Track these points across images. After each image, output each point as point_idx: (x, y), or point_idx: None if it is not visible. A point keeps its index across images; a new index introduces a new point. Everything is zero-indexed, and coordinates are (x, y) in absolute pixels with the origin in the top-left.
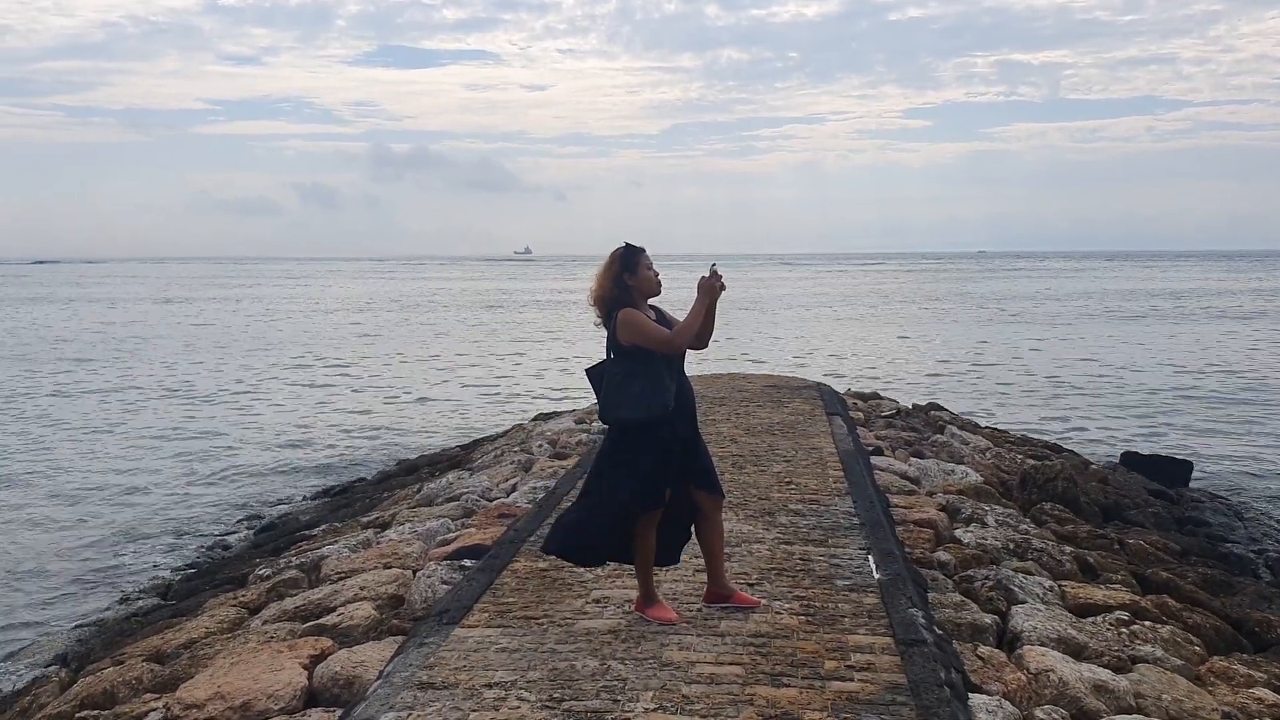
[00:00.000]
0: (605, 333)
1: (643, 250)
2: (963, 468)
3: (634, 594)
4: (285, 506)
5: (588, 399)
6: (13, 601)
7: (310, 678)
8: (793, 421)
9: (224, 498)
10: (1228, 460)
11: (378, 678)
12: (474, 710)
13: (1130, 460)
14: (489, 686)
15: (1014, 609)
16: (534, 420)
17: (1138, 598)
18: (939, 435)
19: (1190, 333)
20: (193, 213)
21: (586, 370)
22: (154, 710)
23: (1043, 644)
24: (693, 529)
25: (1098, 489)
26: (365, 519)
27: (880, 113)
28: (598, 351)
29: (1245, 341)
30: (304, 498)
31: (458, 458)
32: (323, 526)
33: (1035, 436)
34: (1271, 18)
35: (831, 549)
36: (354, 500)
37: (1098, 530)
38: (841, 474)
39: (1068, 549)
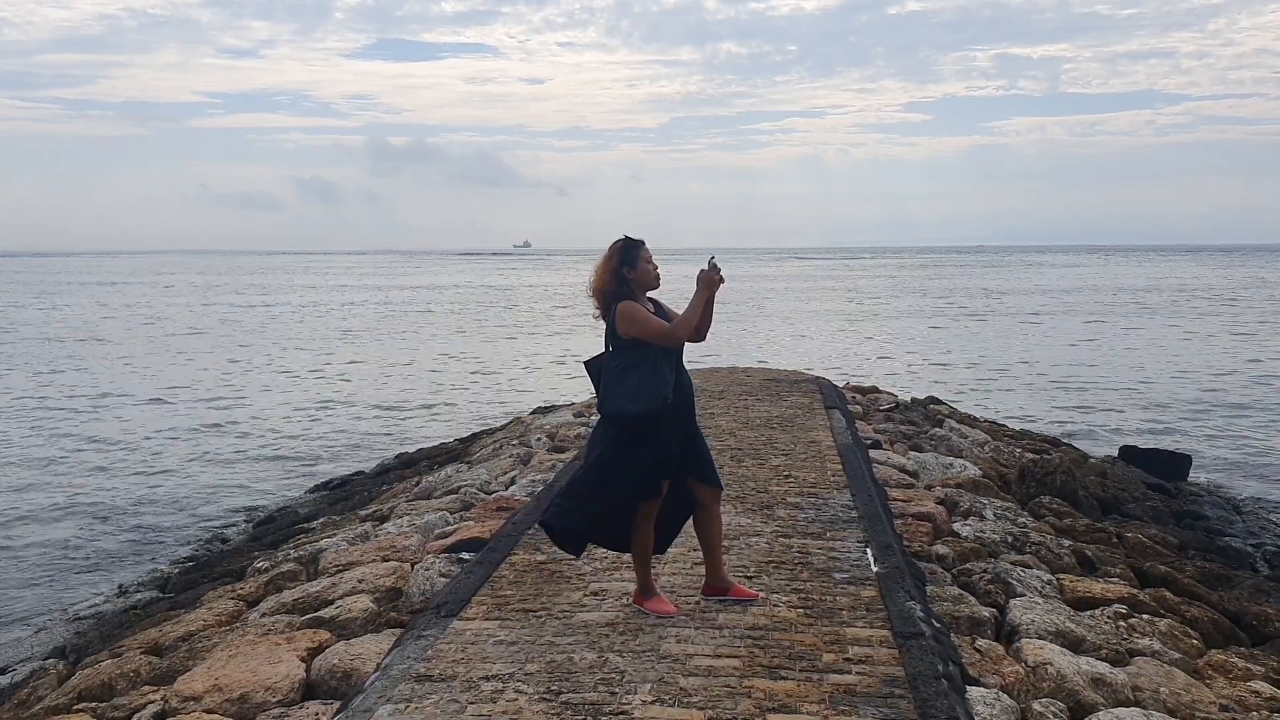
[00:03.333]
0: (604, 325)
1: (642, 243)
2: (961, 461)
3: (632, 587)
4: (283, 499)
5: (586, 392)
6: (11, 594)
7: (308, 670)
8: (791, 415)
9: (222, 491)
10: (1226, 454)
11: (376, 670)
12: (472, 702)
13: (1129, 454)
14: (487, 679)
15: (1012, 602)
16: (532, 413)
17: (1136, 591)
18: (938, 429)
19: (1189, 326)
20: (192, 206)
21: (585, 363)
22: (152, 703)
23: (1041, 637)
24: (690, 521)
25: (1096, 483)
26: (364, 512)
27: (880, 107)
28: (596, 344)
29: (1243, 335)
30: (302, 491)
31: (456, 451)
32: (321, 519)
33: (1034, 430)
34: (1271, 11)
35: (830, 542)
36: (352, 493)
37: (1096, 524)
38: (840, 467)
39: (1066, 542)
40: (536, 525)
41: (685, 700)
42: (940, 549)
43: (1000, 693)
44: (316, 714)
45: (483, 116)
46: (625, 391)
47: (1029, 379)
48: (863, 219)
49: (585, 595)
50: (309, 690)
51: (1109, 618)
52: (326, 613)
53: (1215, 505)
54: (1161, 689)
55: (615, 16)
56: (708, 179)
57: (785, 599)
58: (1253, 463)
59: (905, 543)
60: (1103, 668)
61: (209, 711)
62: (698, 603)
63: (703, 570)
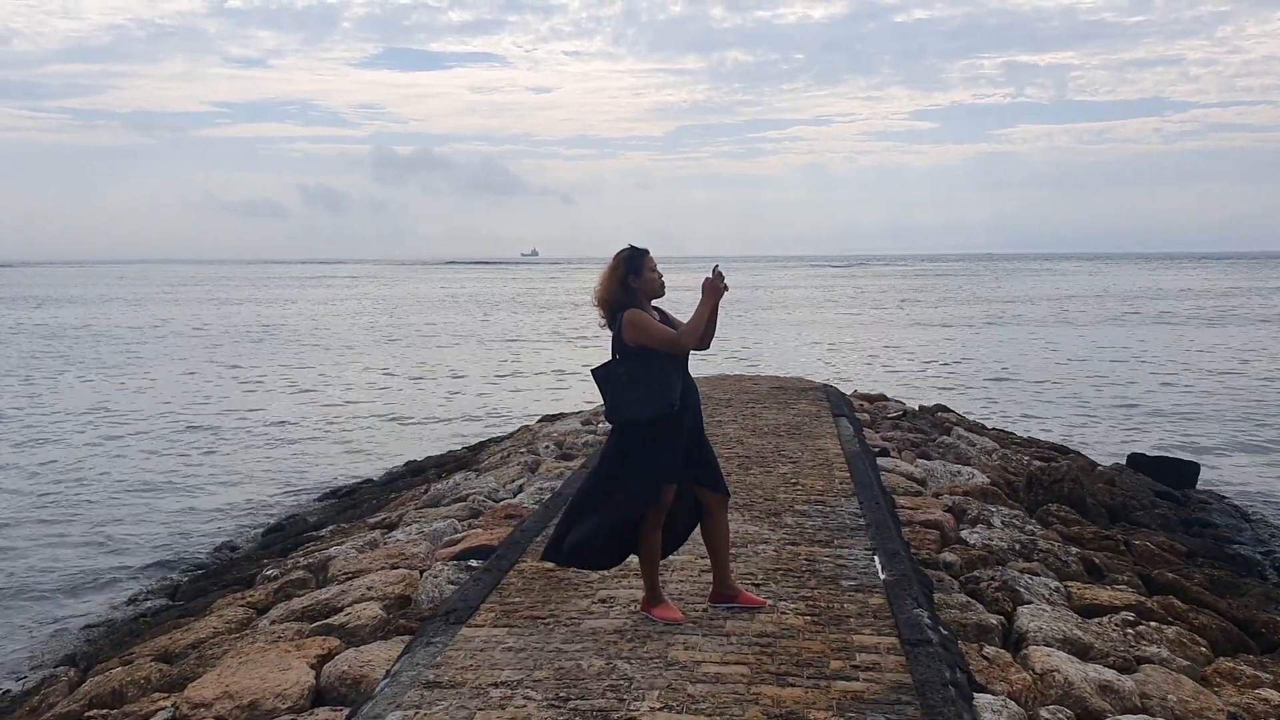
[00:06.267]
0: (610, 334)
1: (646, 252)
2: (969, 469)
3: (640, 594)
4: (293, 507)
5: (594, 400)
6: (22, 602)
7: (318, 677)
8: (799, 423)
9: (231, 499)
10: (1234, 462)
11: (385, 677)
12: (480, 709)
13: (1136, 461)
14: (495, 686)
15: (1020, 609)
16: (540, 421)
17: (1144, 598)
18: (945, 437)
19: (1197, 334)
20: (198, 215)
21: (592, 371)
22: (162, 709)
23: (1048, 644)
24: (697, 528)
25: (1104, 490)
26: (372, 520)
27: (887, 114)
28: (603, 352)
29: (1252, 343)
30: (311, 499)
31: (464, 459)
32: (330, 527)
33: (1042, 438)
34: (1279, 18)
35: (837, 549)
36: (361, 501)
37: (1104, 531)
38: (848, 475)
39: (1074, 550)
40: (547, 537)
41: (693, 707)
42: (948, 556)
43: (1007, 700)
44: None
45: (489, 125)
46: (633, 399)
47: (1037, 386)
48: (869, 226)
49: (593, 602)
50: (318, 697)
51: (1117, 625)
52: (336, 620)
53: (1224, 513)
54: (1169, 696)
55: (622, 25)
56: (713, 187)
57: (793, 606)
58: (1261, 470)
59: (913, 550)
60: (1110, 675)
61: (219, 718)
62: (705, 610)
63: (710, 577)
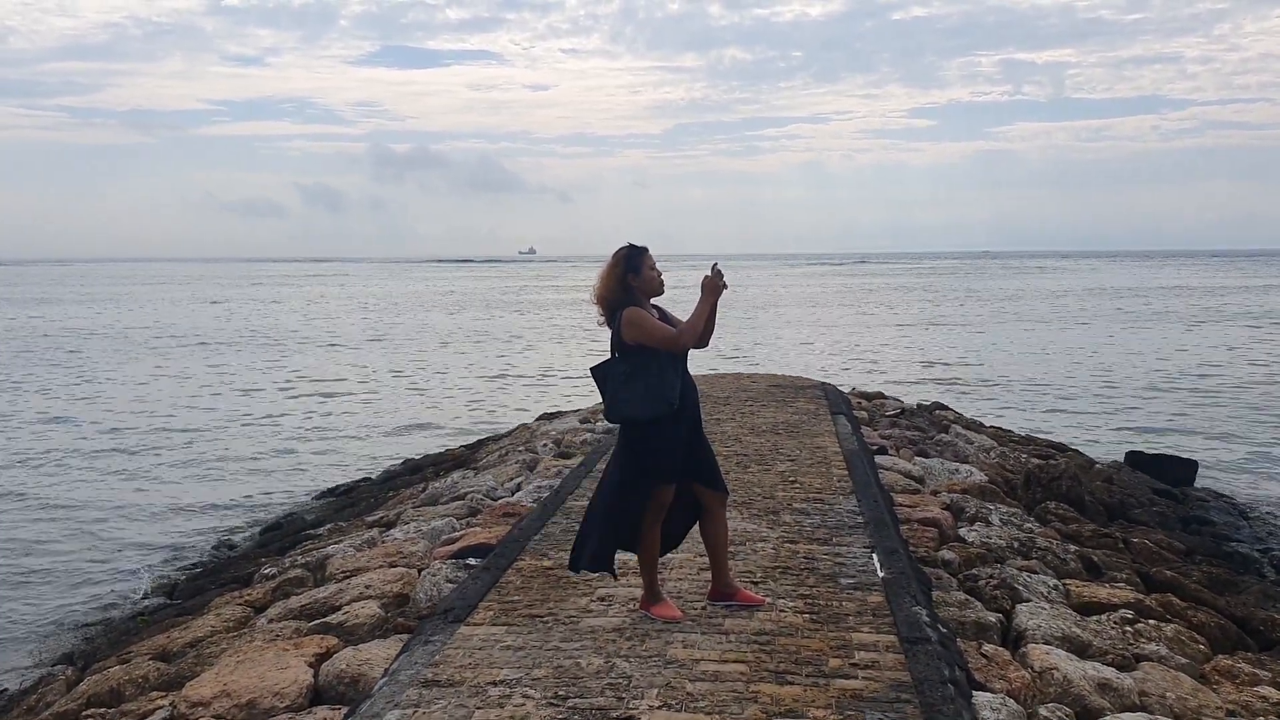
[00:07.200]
0: (609, 332)
1: (645, 250)
2: (967, 467)
3: (638, 592)
4: (291, 506)
5: (592, 398)
6: (20, 601)
7: (316, 676)
8: (797, 421)
9: (229, 497)
10: (1233, 459)
11: (383, 675)
12: (479, 708)
13: (1135, 459)
14: (494, 684)
15: (1018, 607)
16: (538, 420)
17: (1142, 596)
18: (944, 434)
19: (1195, 332)
20: (197, 214)
21: (591, 369)
22: (160, 708)
23: (1047, 642)
24: (696, 527)
25: (1102, 488)
26: (370, 518)
27: (884, 112)
28: (601, 350)
29: (1250, 341)
30: (309, 497)
31: (463, 457)
32: (328, 526)
33: (1040, 436)
34: (1277, 16)
35: (836, 548)
36: (359, 500)
37: (1102, 529)
38: (846, 473)
39: (1072, 548)
40: (546, 535)
41: (692, 705)
42: (946, 554)
43: (1006, 698)
44: (324, 719)
45: (487, 123)
46: (632, 397)
47: (1035, 384)
48: (867, 224)
49: (592, 600)
50: (317, 696)
51: (1115, 623)
52: (334, 619)
53: (1222, 510)
54: (1168, 694)
55: (619, 23)
56: (711, 185)
57: (791, 604)
58: (1260, 468)
59: (911, 548)
60: (1109, 673)
61: (218, 717)
62: (704, 608)
63: (709, 576)
